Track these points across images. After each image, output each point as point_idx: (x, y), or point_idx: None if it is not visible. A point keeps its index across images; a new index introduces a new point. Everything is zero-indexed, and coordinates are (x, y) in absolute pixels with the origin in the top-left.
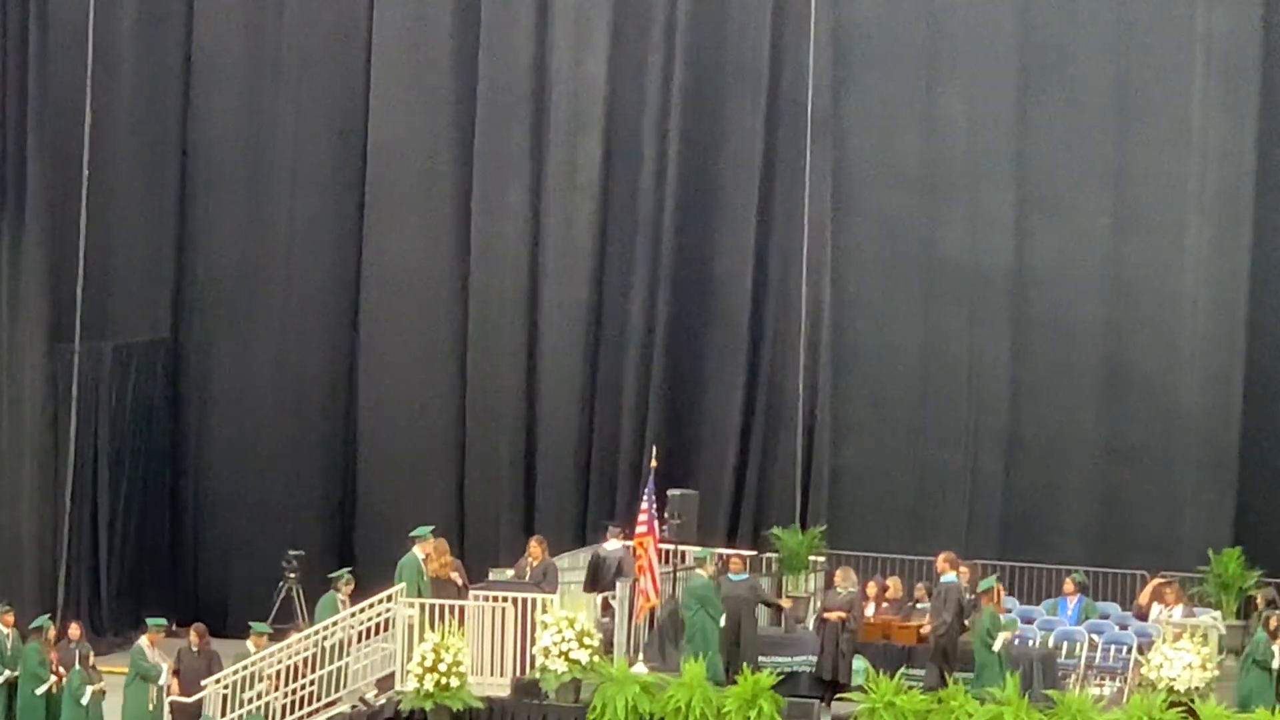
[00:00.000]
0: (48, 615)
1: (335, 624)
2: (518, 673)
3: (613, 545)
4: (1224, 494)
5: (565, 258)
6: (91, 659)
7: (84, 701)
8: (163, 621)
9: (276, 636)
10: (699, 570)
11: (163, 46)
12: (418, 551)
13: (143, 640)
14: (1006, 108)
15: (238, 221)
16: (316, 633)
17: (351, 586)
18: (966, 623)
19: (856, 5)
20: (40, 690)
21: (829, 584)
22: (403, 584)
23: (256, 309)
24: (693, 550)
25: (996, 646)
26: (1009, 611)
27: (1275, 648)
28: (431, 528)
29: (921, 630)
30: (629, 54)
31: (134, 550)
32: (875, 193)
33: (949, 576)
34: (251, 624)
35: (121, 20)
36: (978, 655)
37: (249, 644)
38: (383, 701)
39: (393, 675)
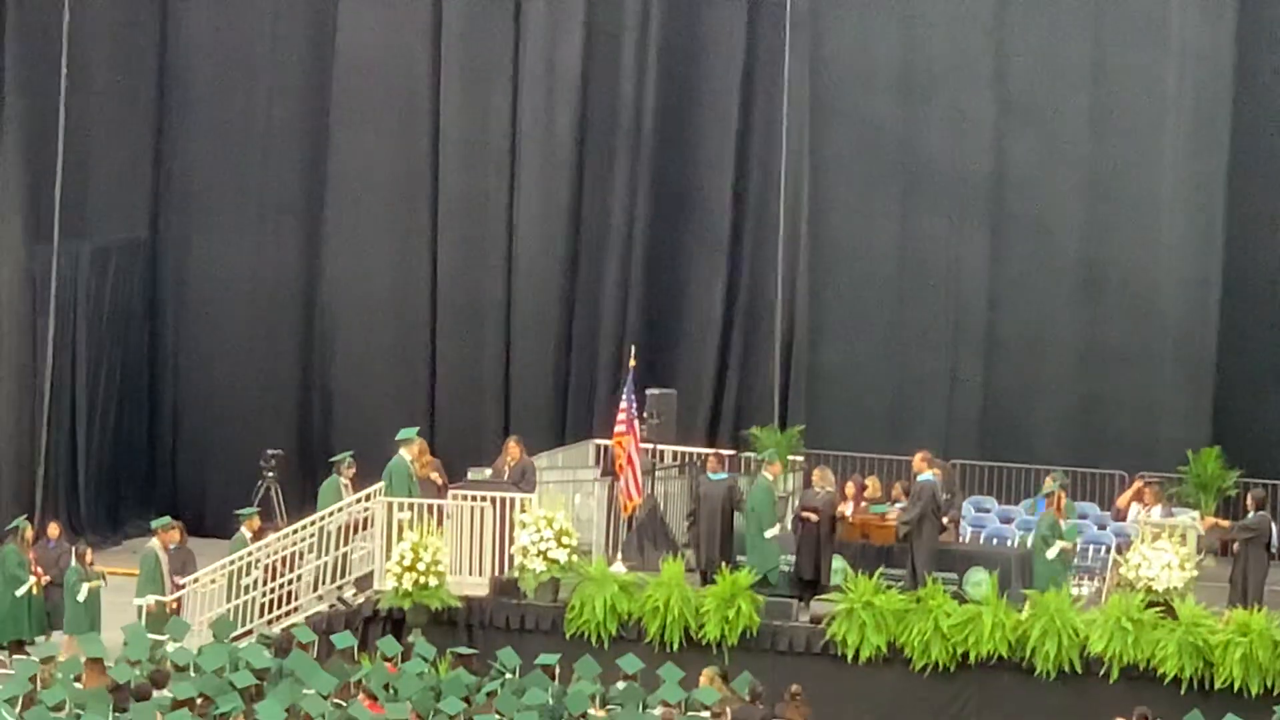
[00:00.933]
0: (24, 516)
1: (340, 510)
2: (496, 572)
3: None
4: (1202, 394)
5: (543, 160)
6: (89, 556)
7: (80, 598)
8: (169, 520)
9: (260, 533)
10: (765, 472)
11: None
12: (405, 454)
13: (154, 542)
14: (984, 7)
15: (213, 124)
16: (321, 518)
17: (354, 470)
18: (945, 521)
19: None
20: (20, 592)
21: (807, 484)
22: (380, 484)
23: (231, 210)
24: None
25: (1050, 555)
26: (1070, 520)
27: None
28: (416, 429)
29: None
30: None
31: (111, 451)
32: (853, 96)
33: (925, 475)
34: (238, 513)
35: None
36: (1036, 562)
37: (243, 530)
38: (361, 600)
39: (371, 574)
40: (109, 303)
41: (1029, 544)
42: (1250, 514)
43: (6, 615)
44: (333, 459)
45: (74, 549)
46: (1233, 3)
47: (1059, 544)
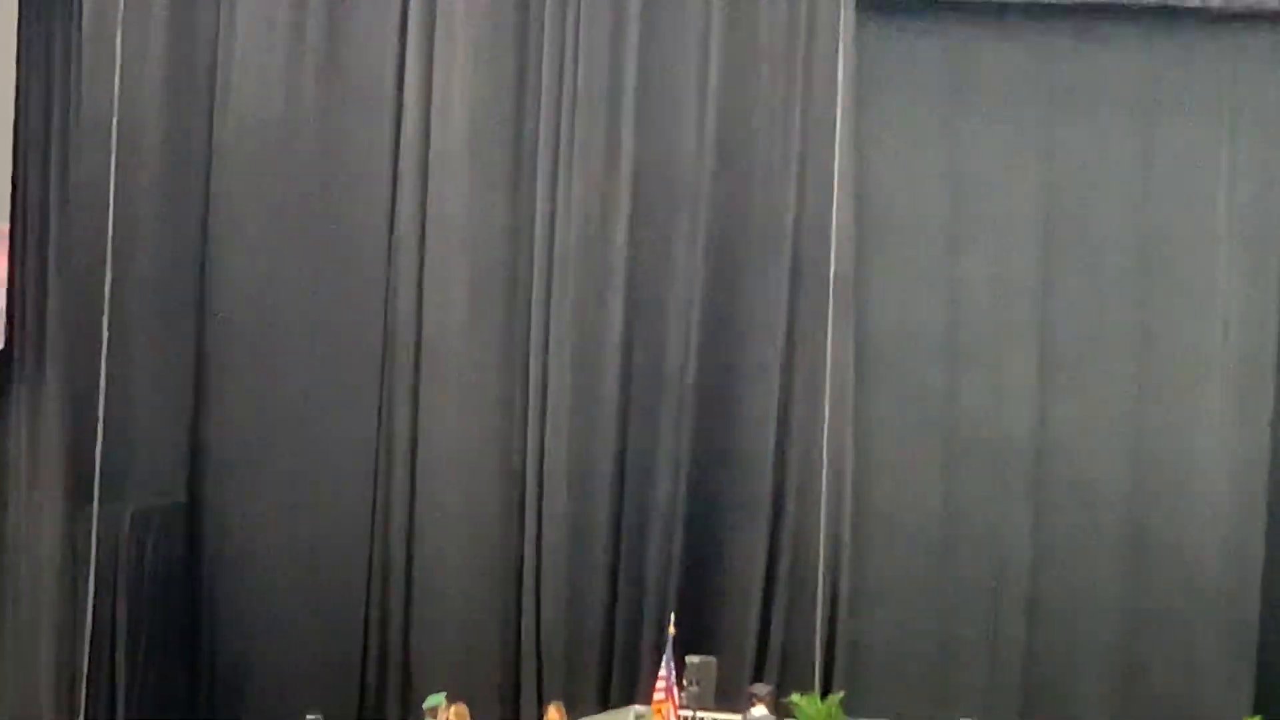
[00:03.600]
0: None
1: None
2: None
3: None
4: (1243, 659)
5: (587, 426)
6: None
7: None
8: None
9: None
10: None
11: (183, 210)
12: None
13: None
14: (1029, 272)
15: (253, 384)
16: None
17: (450, 712)
18: None
19: (880, 168)
20: None
21: None
22: None
23: (270, 471)
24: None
25: None
26: None
27: None
28: (444, 694)
29: None
30: (652, 229)
31: (150, 714)
32: (896, 357)
33: None
34: None
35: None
36: None
37: None
38: None
39: None
40: (150, 565)
41: None
42: None
43: None
44: (426, 704)
45: None
46: (1277, 270)
47: None
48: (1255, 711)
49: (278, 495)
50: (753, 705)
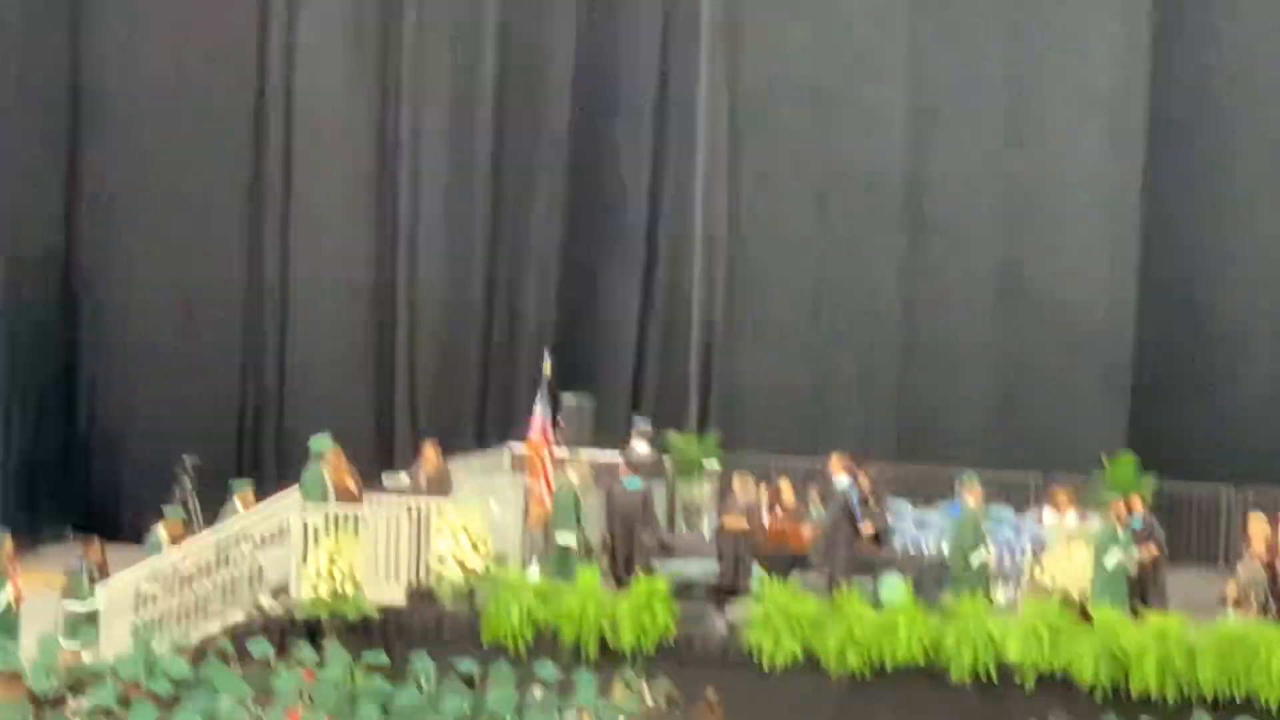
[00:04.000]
0: None
1: (232, 526)
2: (413, 580)
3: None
4: (1117, 399)
5: (459, 173)
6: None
7: None
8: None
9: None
10: (966, 495)
11: None
12: (319, 463)
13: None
14: (899, 11)
15: (129, 137)
16: (217, 535)
17: (251, 496)
18: (860, 527)
19: None
20: None
21: (725, 491)
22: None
23: (151, 221)
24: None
25: (1108, 564)
26: (1128, 529)
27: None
28: (330, 436)
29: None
30: None
31: (28, 461)
32: (769, 103)
33: (840, 479)
34: (164, 508)
35: None
36: (1094, 572)
37: (160, 532)
38: (278, 609)
39: (288, 583)
40: (25, 309)
41: (944, 549)
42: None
43: None
44: (313, 445)
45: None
46: (1148, 7)
47: (1117, 553)
48: (1128, 447)
49: (155, 249)
50: (634, 440)
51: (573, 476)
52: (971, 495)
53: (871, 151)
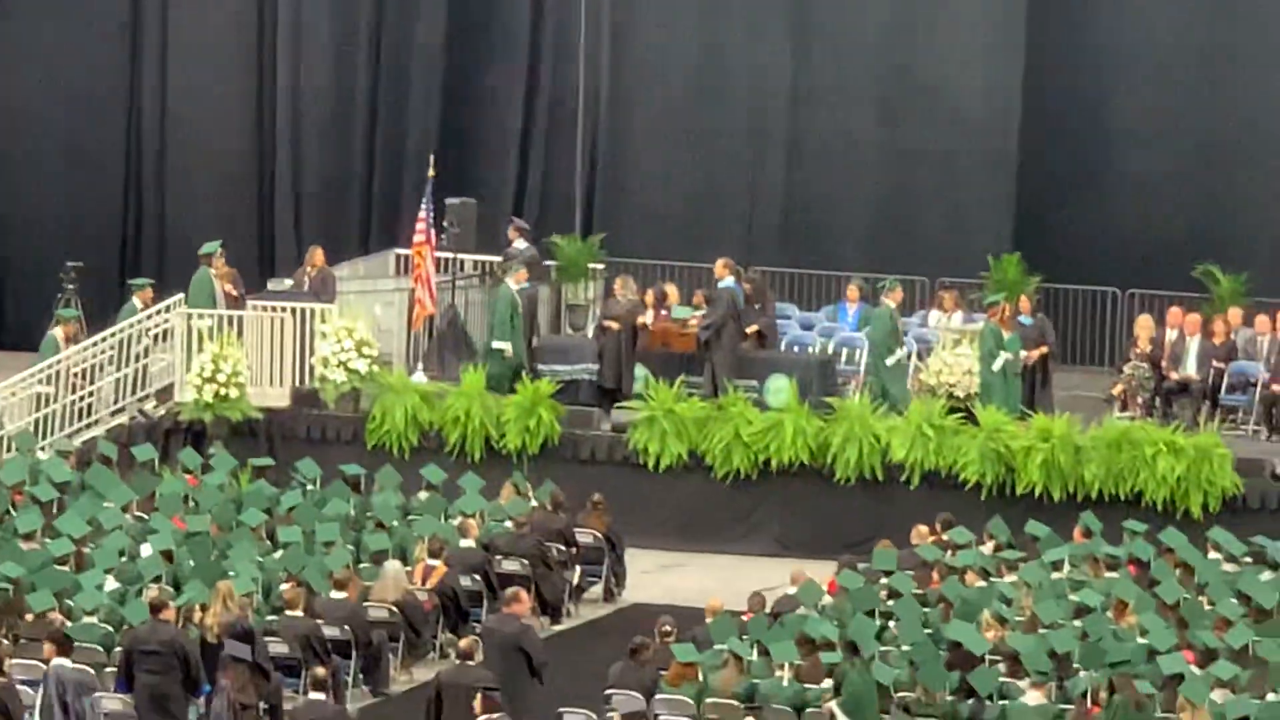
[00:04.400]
0: None
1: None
2: (297, 383)
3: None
4: (1003, 201)
5: None
6: None
7: None
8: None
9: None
10: (886, 299)
11: None
12: (208, 267)
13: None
14: None
15: None
16: (111, 334)
17: (150, 294)
18: (747, 329)
19: None
20: None
21: (608, 292)
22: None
23: (31, 31)
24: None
25: (995, 366)
26: (1013, 332)
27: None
28: (220, 242)
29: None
30: None
31: None
32: None
33: (726, 281)
34: (57, 310)
35: None
36: (980, 374)
37: (56, 332)
38: (162, 413)
39: (172, 386)
40: None
41: (829, 350)
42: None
43: None
44: (202, 250)
45: None
46: None
47: (1003, 355)
48: (1015, 248)
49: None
50: (511, 236)
51: (510, 283)
52: (892, 298)
53: None
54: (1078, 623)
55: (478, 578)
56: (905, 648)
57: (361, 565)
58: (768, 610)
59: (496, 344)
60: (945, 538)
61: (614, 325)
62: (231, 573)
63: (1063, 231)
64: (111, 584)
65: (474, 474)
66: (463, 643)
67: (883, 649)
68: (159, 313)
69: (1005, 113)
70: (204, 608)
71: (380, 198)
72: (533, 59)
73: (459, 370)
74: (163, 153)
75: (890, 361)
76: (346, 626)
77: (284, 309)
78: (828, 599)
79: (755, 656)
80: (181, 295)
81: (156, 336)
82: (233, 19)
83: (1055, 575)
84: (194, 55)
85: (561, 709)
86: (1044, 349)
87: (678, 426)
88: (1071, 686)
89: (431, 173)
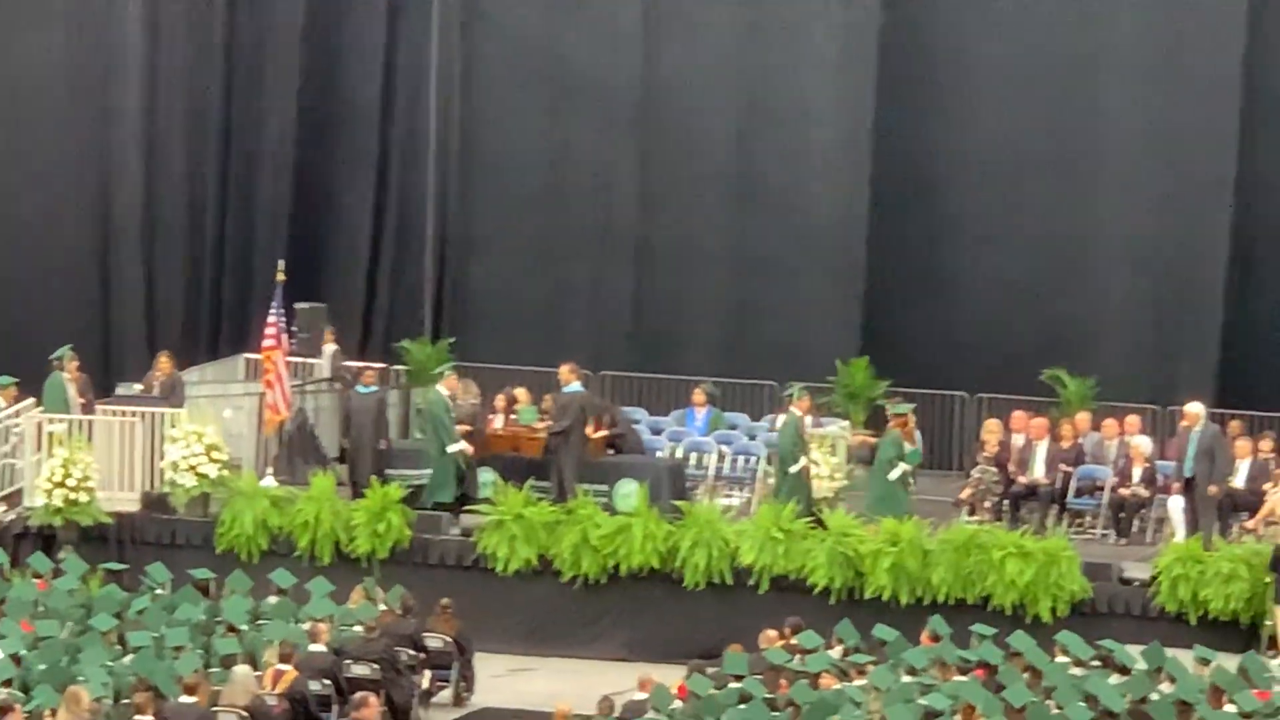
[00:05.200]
0: None
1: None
2: (147, 488)
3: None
4: (850, 304)
5: (190, 75)
6: None
7: None
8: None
9: None
10: (792, 407)
11: None
12: (61, 371)
13: None
14: None
15: None
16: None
17: (77, 363)
18: (594, 435)
19: None
20: None
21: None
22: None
23: None
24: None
25: (892, 475)
26: (916, 445)
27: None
28: (70, 346)
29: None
30: None
31: None
32: (502, 6)
33: (572, 386)
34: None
35: None
36: (874, 483)
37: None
38: (12, 517)
39: (21, 490)
40: None
41: (679, 454)
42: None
43: None
44: (52, 355)
45: None
46: None
47: (902, 466)
48: (863, 352)
49: None
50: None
51: (442, 388)
52: (799, 406)
53: (605, 57)
54: None
55: (327, 682)
56: None
57: (211, 670)
58: (616, 715)
59: (451, 447)
60: (794, 642)
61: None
62: (81, 677)
63: (911, 335)
64: None
65: (323, 578)
66: None
67: None
68: (8, 418)
69: (852, 216)
70: (53, 712)
71: (230, 302)
72: (381, 163)
73: (309, 475)
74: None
75: (793, 469)
76: None
77: (134, 413)
78: (678, 704)
79: None
80: (32, 400)
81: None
82: (83, 122)
83: (905, 679)
84: (41, 159)
85: None
86: None
87: (527, 531)
88: None
89: (281, 277)
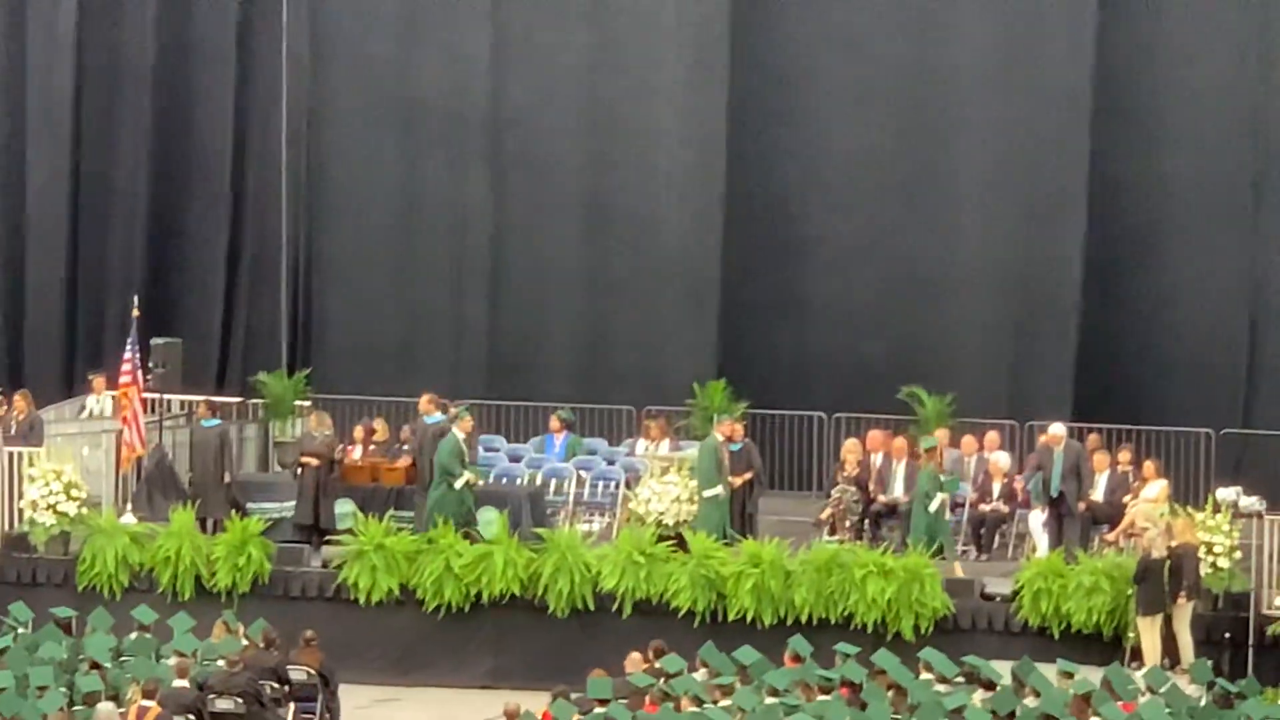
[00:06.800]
0: None
1: None
2: (6, 527)
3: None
4: (706, 327)
5: (44, 116)
6: None
7: None
8: None
9: None
10: (715, 431)
11: None
12: None
13: None
14: None
15: None
16: None
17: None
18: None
19: None
20: None
21: (304, 428)
22: None
23: None
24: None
25: (932, 507)
26: (949, 473)
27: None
28: None
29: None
30: None
31: None
32: (351, 38)
33: (432, 417)
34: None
35: None
36: (916, 516)
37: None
38: None
39: None
40: None
41: (538, 481)
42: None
43: None
44: None
45: None
46: None
47: (940, 496)
48: (720, 375)
49: None
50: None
51: (457, 430)
52: (720, 430)
53: (454, 85)
54: None
55: (192, 717)
56: None
57: (75, 708)
58: None
59: (458, 483)
60: (658, 665)
61: (312, 461)
62: None
63: (768, 356)
64: None
65: (185, 613)
66: None
67: None
68: None
69: (706, 239)
70: None
71: (84, 338)
72: (235, 197)
73: (168, 510)
74: None
75: (709, 494)
76: None
77: None
78: None
79: None
80: None
81: None
82: None
83: (768, 700)
84: None
85: None
86: (749, 475)
87: (388, 561)
88: None
89: (135, 313)
